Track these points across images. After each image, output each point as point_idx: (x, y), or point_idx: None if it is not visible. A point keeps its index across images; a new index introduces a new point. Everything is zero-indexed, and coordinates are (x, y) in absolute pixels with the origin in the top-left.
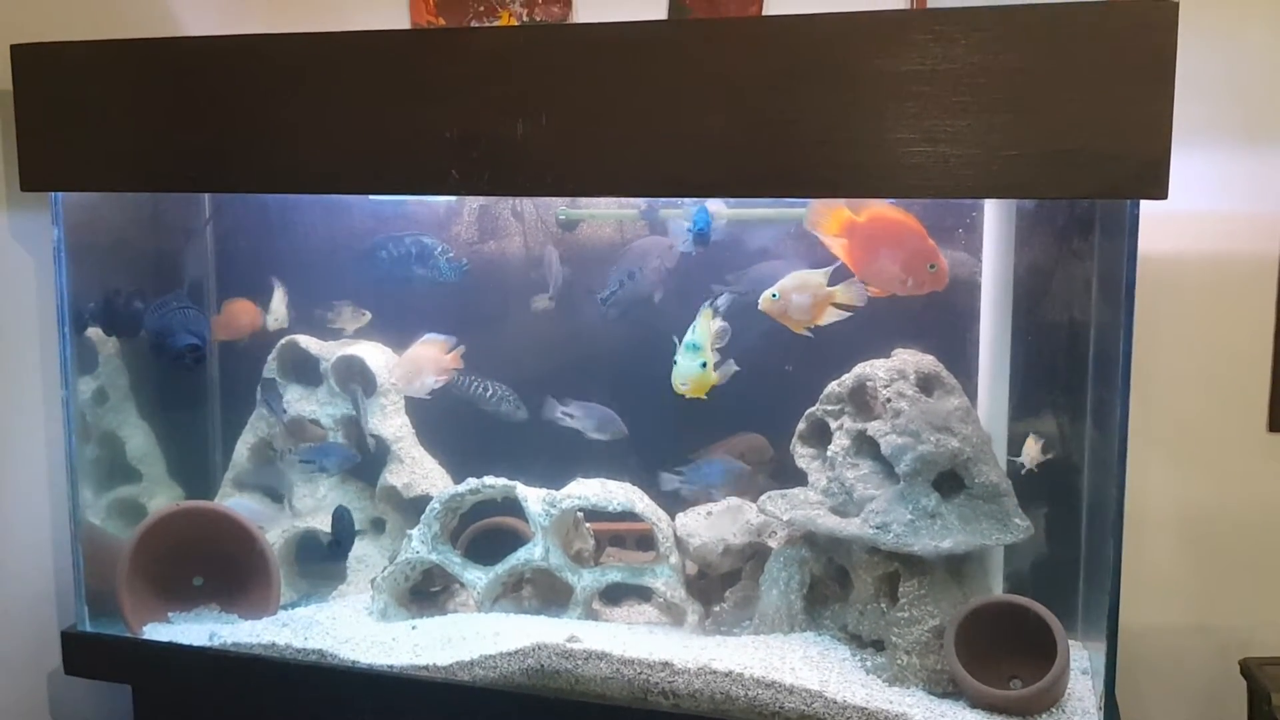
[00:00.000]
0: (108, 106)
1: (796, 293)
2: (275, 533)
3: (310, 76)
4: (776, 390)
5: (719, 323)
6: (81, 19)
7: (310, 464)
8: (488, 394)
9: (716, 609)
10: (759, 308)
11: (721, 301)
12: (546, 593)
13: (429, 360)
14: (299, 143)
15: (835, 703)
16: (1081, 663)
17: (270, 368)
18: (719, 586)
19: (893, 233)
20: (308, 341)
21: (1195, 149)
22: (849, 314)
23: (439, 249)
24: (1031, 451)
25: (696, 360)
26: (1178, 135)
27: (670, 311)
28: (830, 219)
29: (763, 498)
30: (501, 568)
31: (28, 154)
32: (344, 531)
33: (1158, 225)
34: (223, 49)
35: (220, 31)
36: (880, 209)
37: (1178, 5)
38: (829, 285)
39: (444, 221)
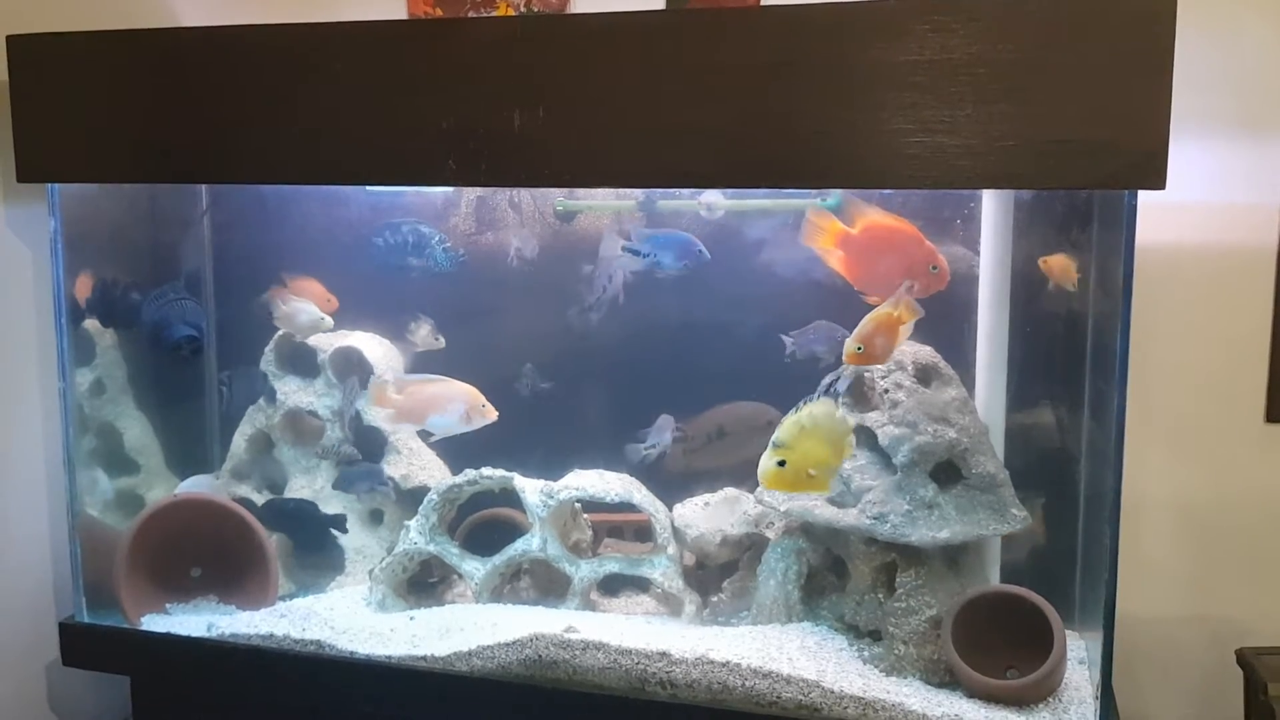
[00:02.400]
0: (104, 97)
1: (877, 337)
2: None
3: (307, 67)
4: (772, 384)
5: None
6: (77, 9)
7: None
8: (534, 382)
9: (714, 599)
10: (846, 363)
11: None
12: (544, 583)
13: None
14: (295, 133)
15: (832, 693)
16: (1078, 652)
17: (267, 358)
18: (716, 577)
19: (891, 241)
20: None
21: (1193, 140)
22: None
23: (436, 238)
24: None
25: (774, 459)
26: (1176, 126)
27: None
28: (823, 233)
29: (760, 488)
30: (499, 559)
31: (24, 145)
32: (306, 521)
33: (1156, 216)
34: (219, 39)
35: (216, 22)
36: (874, 218)
37: None
38: (890, 308)
39: (441, 212)
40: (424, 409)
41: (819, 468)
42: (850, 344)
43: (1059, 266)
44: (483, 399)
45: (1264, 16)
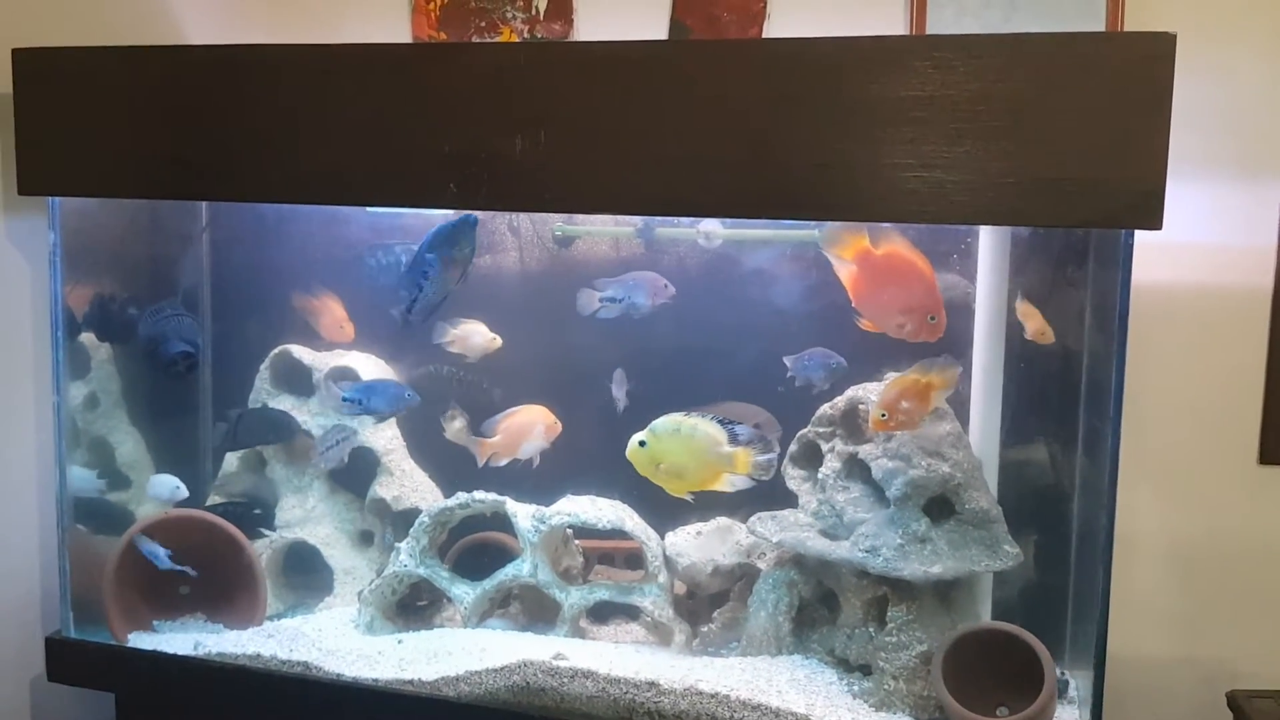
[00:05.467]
0: (107, 112)
1: (902, 402)
2: (263, 543)
3: (311, 87)
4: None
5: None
6: (83, 24)
7: (355, 404)
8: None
9: (704, 629)
10: (872, 429)
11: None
12: (534, 609)
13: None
14: (298, 153)
15: None
16: (1069, 691)
17: (262, 375)
18: (707, 607)
19: (904, 274)
20: (300, 351)
21: (1190, 180)
22: (951, 391)
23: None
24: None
25: (639, 438)
26: (1173, 166)
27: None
28: (849, 243)
29: (753, 519)
30: (489, 583)
31: (26, 158)
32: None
33: (1152, 255)
34: (224, 58)
35: (222, 41)
36: (898, 247)
37: (1175, 37)
38: (918, 374)
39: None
40: (518, 440)
41: (671, 469)
42: (875, 411)
43: (1035, 325)
44: (551, 415)
45: (1261, 59)
